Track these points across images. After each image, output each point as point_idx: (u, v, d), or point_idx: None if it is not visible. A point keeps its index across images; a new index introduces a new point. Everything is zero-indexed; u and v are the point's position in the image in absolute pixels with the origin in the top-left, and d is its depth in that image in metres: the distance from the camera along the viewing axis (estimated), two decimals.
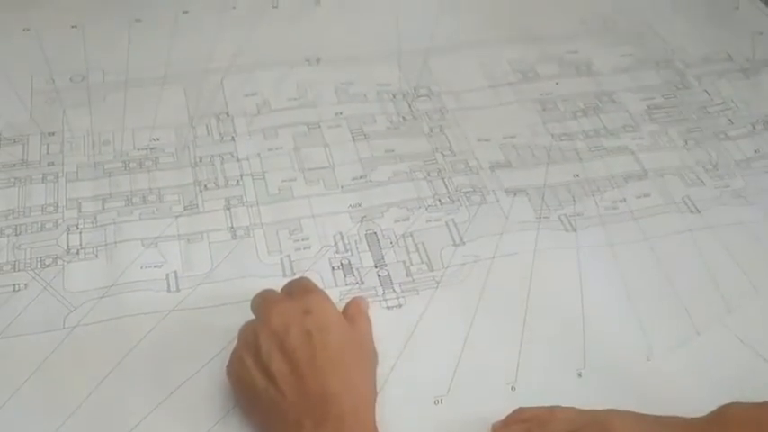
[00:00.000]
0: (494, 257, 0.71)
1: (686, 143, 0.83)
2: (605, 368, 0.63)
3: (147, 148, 0.79)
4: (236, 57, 0.90)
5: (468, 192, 0.77)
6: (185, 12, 0.96)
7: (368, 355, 0.60)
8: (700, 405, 0.57)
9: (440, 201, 0.76)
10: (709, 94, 0.89)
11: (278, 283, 0.64)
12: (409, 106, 0.86)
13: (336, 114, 0.84)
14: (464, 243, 0.72)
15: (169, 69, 0.88)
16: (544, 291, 0.68)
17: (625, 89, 0.89)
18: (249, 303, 0.62)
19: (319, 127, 0.83)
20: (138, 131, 0.81)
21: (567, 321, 0.66)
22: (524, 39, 0.95)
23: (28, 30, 0.92)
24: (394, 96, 0.87)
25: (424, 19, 0.97)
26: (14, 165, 0.77)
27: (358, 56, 0.91)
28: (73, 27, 0.92)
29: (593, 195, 0.77)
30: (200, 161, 0.78)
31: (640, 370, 0.64)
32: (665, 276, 0.70)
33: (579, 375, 0.63)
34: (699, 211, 0.76)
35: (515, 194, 0.76)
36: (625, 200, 0.77)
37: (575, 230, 0.74)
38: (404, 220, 0.74)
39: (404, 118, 0.84)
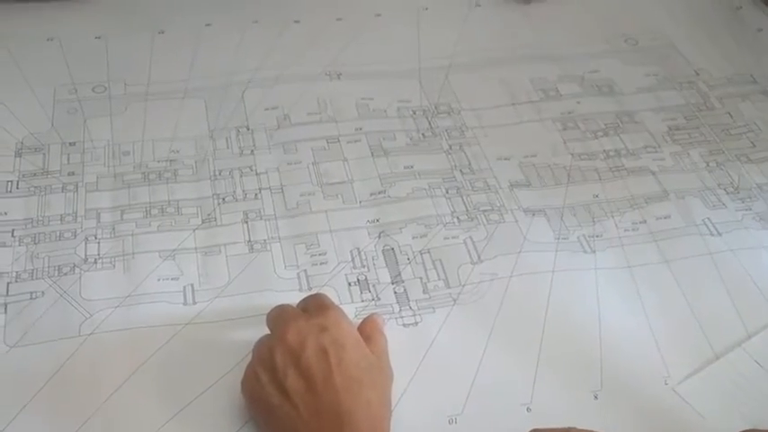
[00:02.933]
0: (511, 276, 0.71)
1: (708, 165, 0.82)
2: (622, 391, 0.63)
3: (166, 160, 0.79)
4: (257, 70, 0.90)
5: (486, 210, 0.76)
6: (208, 25, 0.96)
7: (383, 373, 0.60)
8: (717, 431, 0.56)
9: (458, 218, 0.75)
10: (731, 116, 0.88)
11: (294, 298, 0.64)
12: (429, 123, 0.85)
13: (356, 129, 0.84)
14: (481, 261, 0.72)
15: (190, 82, 0.88)
16: (561, 311, 0.68)
17: (647, 109, 0.89)
18: (265, 318, 0.62)
19: (339, 142, 0.83)
20: (158, 143, 0.81)
21: (584, 343, 0.66)
22: (546, 57, 0.95)
23: (51, 39, 0.92)
24: (414, 112, 0.87)
25: (445, 35, 0.97)
26: (35, 174, 0.77)
27: (379, 71, 0.91)
28: (96, 38, 0.93)
29: (613, 216, 0.76)
30: (220, 174, 0.78)
31: (657, 393, 0.63)
32: (684, 299, 0.70)
33: (595, 397, 0.63)
34: (719, 234, 0.75)
35: (534, 214, 0.76)
36: (645, 221, 0.76)
37: (593, 252, 0.73)
38: (421, 236, 0.74)
39: (423, 134, 0.84)
